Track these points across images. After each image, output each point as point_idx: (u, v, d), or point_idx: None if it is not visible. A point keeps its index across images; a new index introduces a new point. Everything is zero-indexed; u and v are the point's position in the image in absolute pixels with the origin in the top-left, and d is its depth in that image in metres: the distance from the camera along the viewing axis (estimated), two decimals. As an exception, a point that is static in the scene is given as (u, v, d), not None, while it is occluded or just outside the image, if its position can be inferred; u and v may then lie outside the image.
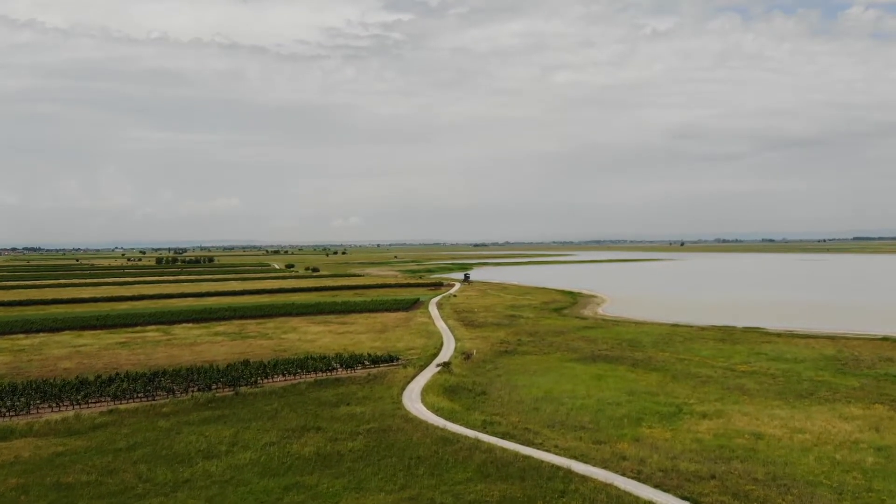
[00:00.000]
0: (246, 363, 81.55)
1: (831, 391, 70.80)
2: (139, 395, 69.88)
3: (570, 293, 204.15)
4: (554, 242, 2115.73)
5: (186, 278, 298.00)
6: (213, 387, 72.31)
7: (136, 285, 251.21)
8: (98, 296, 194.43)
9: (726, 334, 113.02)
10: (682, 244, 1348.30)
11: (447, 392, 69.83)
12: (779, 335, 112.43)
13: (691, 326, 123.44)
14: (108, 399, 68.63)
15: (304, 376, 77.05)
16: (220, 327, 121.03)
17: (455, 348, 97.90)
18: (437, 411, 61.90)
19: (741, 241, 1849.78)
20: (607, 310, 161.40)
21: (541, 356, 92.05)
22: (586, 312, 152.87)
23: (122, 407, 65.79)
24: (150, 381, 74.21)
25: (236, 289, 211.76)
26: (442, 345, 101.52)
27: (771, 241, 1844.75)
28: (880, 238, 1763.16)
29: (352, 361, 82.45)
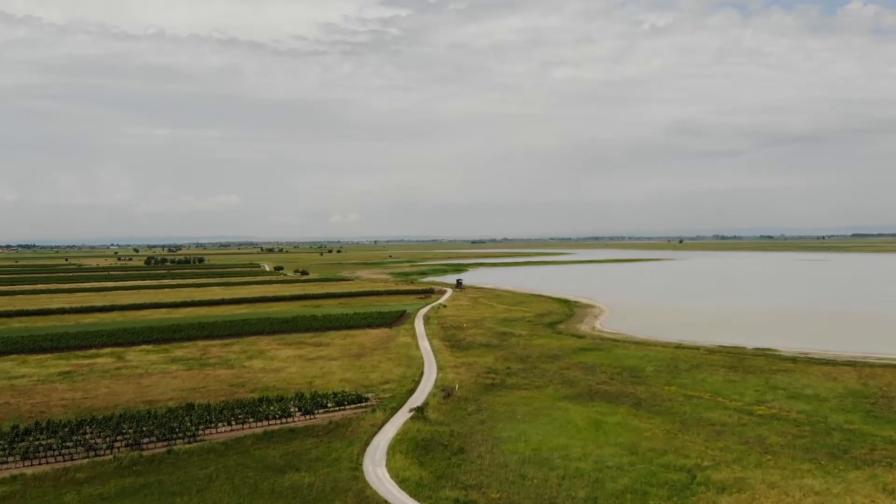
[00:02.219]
0: (190, 408, 71.00)
1: (867, 447, 60.41)
2: (55, 453, 59.33)
3: (566, 302, 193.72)
4: (552, 239, 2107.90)
5: (169, 283, 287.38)
6: (145, 441, 61.80)
7: (113, 292, 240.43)
8: (67, 306, 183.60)
9: (736, 359, 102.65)
10: (681, 241, 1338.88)
11: (418, 449, 59.33)
12: (793, 360, 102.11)
13: (697, 348, 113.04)
14: (17, 459, 58.10)
15: (253, 426, 66.44)
16: (181, 351, 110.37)
17: (436, 380, 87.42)
18: (402, 483, 51.49)
19: (740, 238, 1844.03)
20: (605, 324, 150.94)
21: (532, 391, 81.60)
22: (583, 328, 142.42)
23: (29, 472, 55.29)
24: (74, 433, 63.77)
25: (215, 297, 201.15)
26: (422, 375, 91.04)
27: (769, 237, 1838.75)
28: (879, 234, 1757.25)
29: (313, 404, 71.92)
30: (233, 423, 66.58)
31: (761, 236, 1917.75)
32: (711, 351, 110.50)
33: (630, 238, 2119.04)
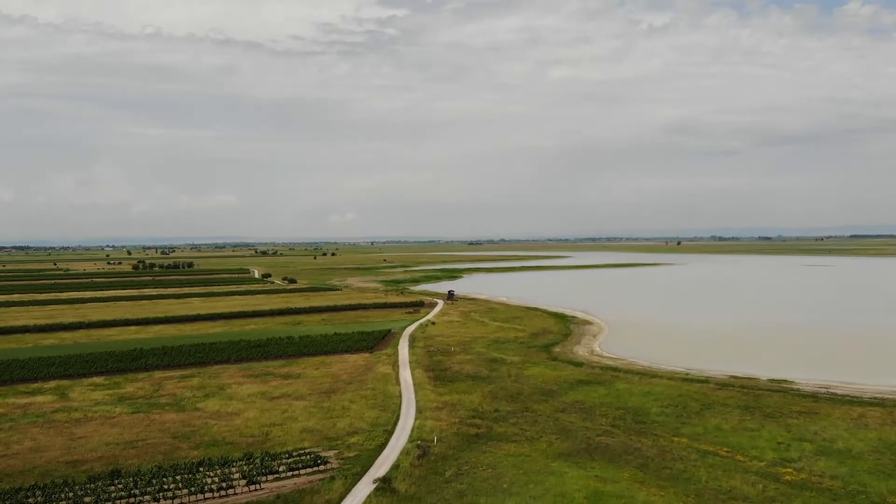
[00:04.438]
0: (115, 476, 59.96)
1: (925, 534, 49.77)
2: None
3: (563, 318, 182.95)
4: (549, 240, 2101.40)
5: (149, 293, 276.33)
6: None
7: (88, 304, 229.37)
8: (32, 324, 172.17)
9: (750, 397, 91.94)
10: (679, 243, 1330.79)
11: (378, 540, 48.52)
12: (814, 398, 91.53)
13: (706, 381, 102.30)
14: None
15: (185, 501, 55.44)
16: (133, 386, 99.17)
17: (412, 429, 76.49)
18: None
19: (737, 239, 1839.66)
20: (605, 346, 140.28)
21: (522, 445, 70.73)
22: (580, 352, 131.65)
23: None
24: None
25: (190, 312, 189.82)
26: (397, 420, 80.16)
27: (767, 238, 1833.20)
28: (878, 235, 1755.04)
29: (262, 468, 61.05)
30: (161, 498, 55.60)
31: (759, 237, 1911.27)
32: (722, 385, 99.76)
33: (627, 239, 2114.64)
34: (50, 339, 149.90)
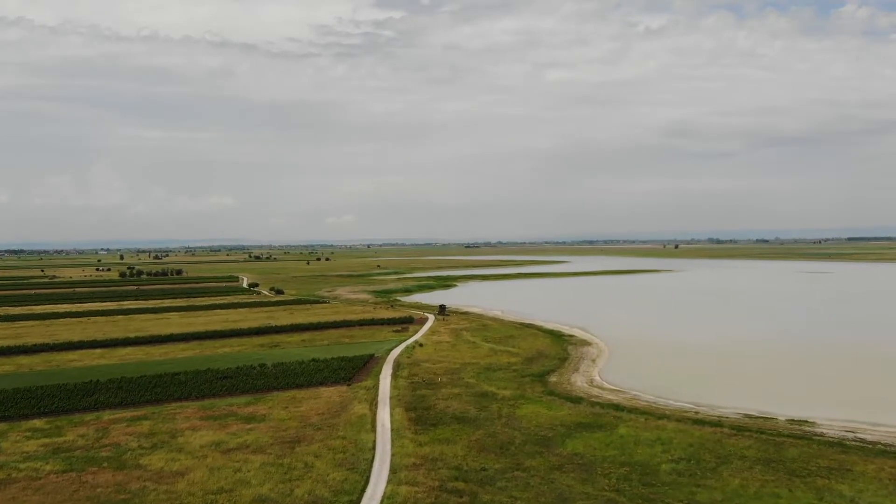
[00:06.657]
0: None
1: None
2: None
3: (559, 337, 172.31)
4: (546, 243, 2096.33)
5: (129, 306, 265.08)
6: None
7: (60, 320, 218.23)
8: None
9: (771, 446, 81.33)
10: (677, 246, 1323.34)
11: None
12: (842, 446, 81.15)
13: (719, 423, 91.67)
14: None
15: None
16: (75, 431, 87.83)
17: (382, 499, 65.59)
18: None
19: (735, 241, 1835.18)
20: (604, 373, 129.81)
21: (508, 520, 60.01)
22: (578, 381, 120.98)
23: None
24: None
25: (164, 332, 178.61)
26: (366, 485, 69.16)
27: (765, 241, 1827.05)
28: (875, 238, 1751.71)
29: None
30: None
31: (757, 240, 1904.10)
32: (737, 428, 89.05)
33: (624, 241, 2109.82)
34: (5, 366, 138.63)
